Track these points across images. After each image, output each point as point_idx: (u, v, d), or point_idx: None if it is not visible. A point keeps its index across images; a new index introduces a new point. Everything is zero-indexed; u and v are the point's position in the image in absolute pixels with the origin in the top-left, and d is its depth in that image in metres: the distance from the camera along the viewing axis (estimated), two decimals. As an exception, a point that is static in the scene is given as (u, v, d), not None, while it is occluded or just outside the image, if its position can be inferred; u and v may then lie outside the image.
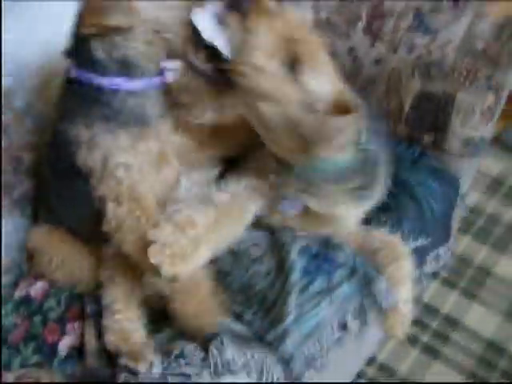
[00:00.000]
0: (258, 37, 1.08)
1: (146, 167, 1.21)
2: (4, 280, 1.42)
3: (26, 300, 1.36)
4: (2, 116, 1.42)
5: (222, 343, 1.16)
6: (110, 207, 1.17)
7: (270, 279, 1.32)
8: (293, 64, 1.09)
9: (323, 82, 1.10)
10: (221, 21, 1.11)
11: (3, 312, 1.34)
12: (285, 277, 1.30)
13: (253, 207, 1.32)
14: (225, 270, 1.36)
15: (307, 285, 1.30)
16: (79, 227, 1.34)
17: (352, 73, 1.83)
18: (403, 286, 1.36)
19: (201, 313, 1.24)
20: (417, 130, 1.75)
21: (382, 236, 1.41)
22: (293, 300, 1.25)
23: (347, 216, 1.34)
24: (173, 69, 1.21)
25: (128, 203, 1.16)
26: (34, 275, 1.41)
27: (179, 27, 1.14)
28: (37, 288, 1.38)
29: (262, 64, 1.07)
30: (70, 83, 1.20)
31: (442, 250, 1.67)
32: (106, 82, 1.15)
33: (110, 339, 1.25)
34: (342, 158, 1.16)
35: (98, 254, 1.33)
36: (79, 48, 1.16)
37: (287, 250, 1.33)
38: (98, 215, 1.20)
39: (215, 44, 1.10)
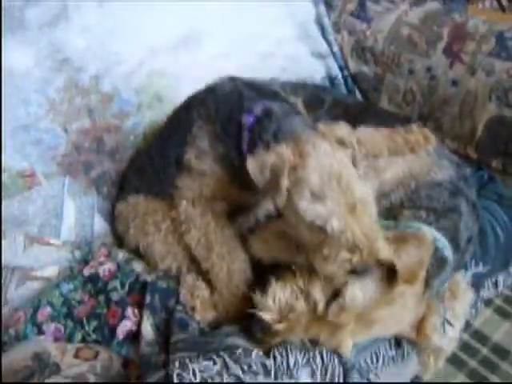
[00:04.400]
0: None
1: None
2: (74, 255, 1.47)
3: (94, 278, 1.39)
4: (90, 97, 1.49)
5: (286, 349, 1.16)
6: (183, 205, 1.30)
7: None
8: None
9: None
10: None
11: (71, 286, 1.38)
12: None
13: None
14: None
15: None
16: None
17: (428, 92, 1.85)
18: (455, 324, 1.36)
19: None
20: (487, 154, 1.74)
21: None
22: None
23: None
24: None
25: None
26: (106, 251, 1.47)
27: None
28: (105, 268, 1.42)
29: None
30: (228, 121, 1.28)
31: (501, 277, 1.65)
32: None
33: (182, 292, 1.33)
34: None
35: None
36: (266, 123, 1.23)
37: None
38: None
39: None
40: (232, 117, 1.27)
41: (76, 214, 1.48)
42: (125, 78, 1.54)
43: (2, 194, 1.39)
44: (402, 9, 1.93)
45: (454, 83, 1.79)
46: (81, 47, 1.49)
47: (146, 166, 1.45)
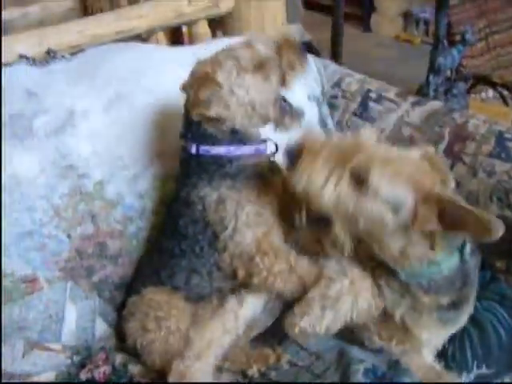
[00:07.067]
0: None
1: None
2: (73, 360, 1.46)
3: (90, 382, 1.40)
4: (94, 203, 1.52)
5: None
6: (258, 260, 1.32)
7: (332, 395, 1.33)
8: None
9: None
10: None
11: (68, 392, 1.39)
12: (347, 396, 1.30)
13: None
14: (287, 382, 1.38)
15: (369, 407, 1.30)
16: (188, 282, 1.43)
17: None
18: None
19: None
20: (490, 254, 1.73)
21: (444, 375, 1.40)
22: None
23: (426, 339, 1.36)
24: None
25: (271, 251, 1.32)
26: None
27: (270, 105, 1.36)
28: (100, 371, 1.42)
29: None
30: (190, 158, 1.39)
31: (507, 379, 1.62)
32: (222, 150, 1.36)
33: None
34: (448, 264, 1.23)
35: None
36: (193, 129, 1.37)
37: (353, 369, 1.34)
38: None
39: None
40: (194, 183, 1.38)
41: (77, 318, 1.49)
42: (129, 183, 1.57)
43: (4, 298, 1.40)
44: (403, 108, 1.96)
45: (456, 184, 1.80)
46: (87, 153, 1.53)
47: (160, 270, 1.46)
